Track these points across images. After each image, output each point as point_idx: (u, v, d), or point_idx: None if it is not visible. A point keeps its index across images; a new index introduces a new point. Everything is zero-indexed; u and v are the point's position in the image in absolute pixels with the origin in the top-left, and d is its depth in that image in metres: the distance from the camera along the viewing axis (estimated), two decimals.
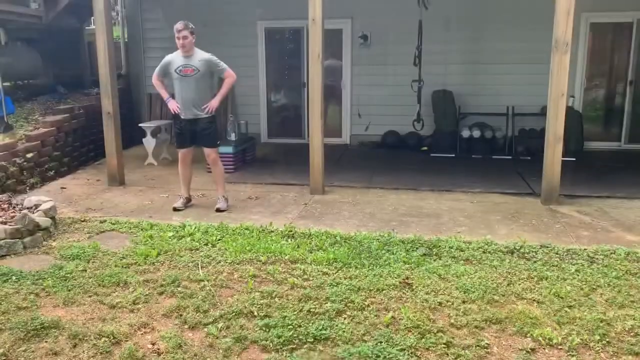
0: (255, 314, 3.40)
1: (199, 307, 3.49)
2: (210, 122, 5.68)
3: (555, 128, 5.52)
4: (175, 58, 5.60)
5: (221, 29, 9.58)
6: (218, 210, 5.61)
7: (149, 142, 7.91)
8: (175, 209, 5.66)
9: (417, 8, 8.08)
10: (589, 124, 8.93)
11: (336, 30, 9.24)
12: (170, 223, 5.15)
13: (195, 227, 4.95)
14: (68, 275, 3.96)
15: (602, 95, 9.09)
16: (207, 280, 3.87)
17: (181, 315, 3.41)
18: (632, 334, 3.16)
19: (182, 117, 5.65)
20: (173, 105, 5.64)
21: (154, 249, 4.42)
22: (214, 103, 5.63)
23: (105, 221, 5.24)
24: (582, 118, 8.71)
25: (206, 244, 4.57)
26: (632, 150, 8.71)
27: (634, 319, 3.30)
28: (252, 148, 8.17)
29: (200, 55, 5.58)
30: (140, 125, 8.35)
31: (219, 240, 4.66)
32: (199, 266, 4.12)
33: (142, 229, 4.99)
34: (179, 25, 5.47)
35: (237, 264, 4.16)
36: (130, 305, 3.53)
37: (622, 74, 8.84)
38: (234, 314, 3.40)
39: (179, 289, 3.75)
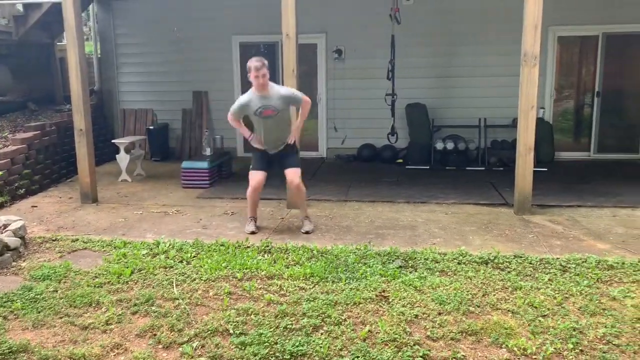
0: (231, 331, 3.36)
1: (173, 326, 3.43)
2: (293, 146, 5.49)
3: (526, 139, 5.63)
4: (252, 99, 5.23)
5: (195, 45, 9.58)
6: (306, 232, 5.36)
7: (122, 159, 7.81)
8: (252, 233, 5.36)
9: (389, 23, 8.20)
10: (559, 134, 9.15)
11: (311, 44, 9.31)
12: (144, 241, 5.08)
13: (169, 245, 4.89)
14: (38, 296, 3.87)
15: (571, 106, 9.31)
16: (182, 299, 3.82)
17: (155, 334, 3.35)
18: (604, 341, 3.21)
19: (265, 148, 5.45)
20: (258, 144, 5.43)
21: (127, 268, 4.35)
22: (296, 135, 5.49)
23: (77, 240, 5.14)
24: (553, 129, 8.91)
25: (181, 262, 4.52)
26: (600, 159, 8.92)
27: (605, 326, 3.36)
28: (228, 163, 8.13)
29: (277, 92, 5.24)
30: (113, 141, 8.24)
31: (194, 257, 4.61)
32: (174, 284, 4.07)
33: (115, 247, 4.91)
34: (257, 63, 5.05)
35: (213, 281, 4.12)
36: (102, 325, 3.47)
37: (590, 85, 9.07)
38: (209, 332, 3.36)
39: (153, 308, 3.69)
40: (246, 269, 4.31)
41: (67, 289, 4.01)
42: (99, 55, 10.10)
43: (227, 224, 5.71)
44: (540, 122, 8.60)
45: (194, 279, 4.15)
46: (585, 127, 9.20)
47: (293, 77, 5.99)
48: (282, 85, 5.85)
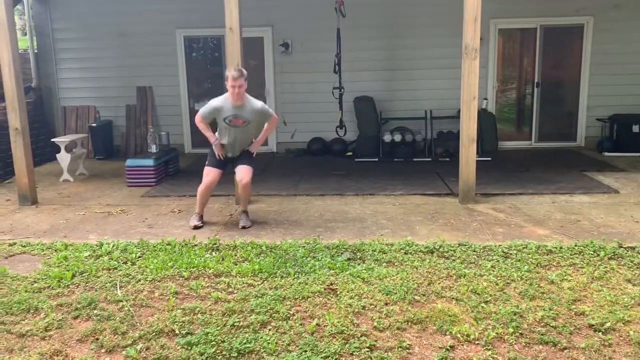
0: (177, 332, 3.30)
1: (116, 329, 3.34)
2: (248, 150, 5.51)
3: (468, 130, 5.76)
4: (224, 105, 5.18)
5: (138, 39, 9.33)
6: (243, 227, 5.34)
7: (64, 158, 7.52)
8: (195, 227, 5.35)
9: (335, 16, 8.21)
10: (502, 124, 9.43)
11: (257, 38, 9.22)
12: (87, 242, 4.92)
13: (113, 245, 4.75)
14: None
15: (513, 97, 9.62)
16: (126, 301, 3.72)
17: (97, 339, 3.25)
18: (542, 324, 3.33)
19: (224, 154, 5.42)
20: (220, 151, 5.36)
21: (68, 271, 4.20)
22: (256, 148, 5.51)
23: (15, 244, 4.92)
24: (496, 119, 9.17)
25: (125, 263, 4.40)
26: (541, 148, 9.27)
27: (543, 309, 3.49)
28: (175, 159, 7.97)
29: (252, 105, 5.23)
30: (53, 140, 7.93)
31: (139, 257, 4.50)
32: (117, 286, 3.96)
33: (55, 250, 4.73)
34: (234, 73, 5.01)
35: (158, 281, 4.03)
36: (41, 332, 3.33)
37: (530, 76, 9.39)
38: (154, 333, 3.28)
39: (96, 311, 3.58)
40: (193, 267, 4.24)
41: (3, 296, 3.83)
42: (36, 51, 9.67)
43: (173, 222, 5.60)
44: (483, 112, 8.88)
45: (139, 280, 4.05)
46: (527, 117, 9.52)
47: None
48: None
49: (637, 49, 8.92)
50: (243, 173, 5.35)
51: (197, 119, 5.36)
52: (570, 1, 8.87)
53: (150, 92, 9.53)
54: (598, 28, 8.93)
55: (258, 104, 5.32)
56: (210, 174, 5.39)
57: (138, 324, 3.42)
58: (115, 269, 4.28)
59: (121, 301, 3.71)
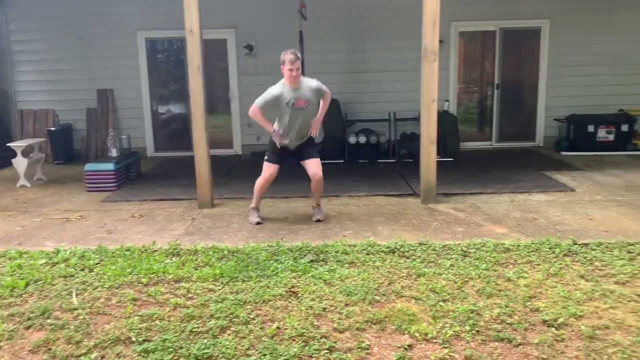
0: (134, 339, 3.24)
1: (71, 338, 3.26)
2: (312, 137, 5.54)
3: (428, 132, 5.84)
4: (283, 91, 5.16)
5: (97, 41, 9.15)
6: (318, 220, 5.50)
7: (20, 163, 7.31)
8: (258, 224, 5.47)
9: (297, 19, 8.22)
10: (463, 125, 9.59)
11: (220, 40, 9.16)
12: (43, 249, 4.79)
13: (70, 252, 4.63)
14: None
15: (474, 98, 9.80)
16: (82, 309, 3.63)
17: (50, 349, 3.16)
18: (498, 321, 3.39)
19: (286, 143, 5.43)
20: (279, 140, 5.40)
21: (22, 280, 4.08)
22: (317, 127, 5.49)
23: None
24: (457, 121, 9.32)
25: (82, 270, 4.29)
26: (501, 148, 9.47)
27: (500, 307, 3.55)
28: (136, 163, 7.84)
29: (307, 85, 5.24)
30: (8, 144, 7.69)
31: (97, 264, 4.40)
32: (73, 294, 3.86)
33: (9, 259, 4.59)
34: (291, 57, 5.01)
35: (116, 288, 3.95)
36: None
37: (490, 78, 9.58)
38: (110, 341, 3.21)
39: (49, 320, 3.48)
40: (152, 273, 4.18)
41: None
42: None
43: (133, 227, 5.50)
44: (445, 114, 9.01)
45: (96, 287, 3.96)
46: (487, 118, 9.71)
47: (199, 73, 5.86)
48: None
49: (592, 51, 9.20)
50: (315, 167, 5.42)
51: (254, 110, 5.29)
52: (527, 4, 9.09)
53: (111, 95, 9.36)
54: (554, 31, 9.18)
55: (313, 81, 5.33)
56: (269, 169, 5.45)
57: (93, 332, 3.35)
58: (72, 276, 4.18)
59: (77, 309, 3.63)
